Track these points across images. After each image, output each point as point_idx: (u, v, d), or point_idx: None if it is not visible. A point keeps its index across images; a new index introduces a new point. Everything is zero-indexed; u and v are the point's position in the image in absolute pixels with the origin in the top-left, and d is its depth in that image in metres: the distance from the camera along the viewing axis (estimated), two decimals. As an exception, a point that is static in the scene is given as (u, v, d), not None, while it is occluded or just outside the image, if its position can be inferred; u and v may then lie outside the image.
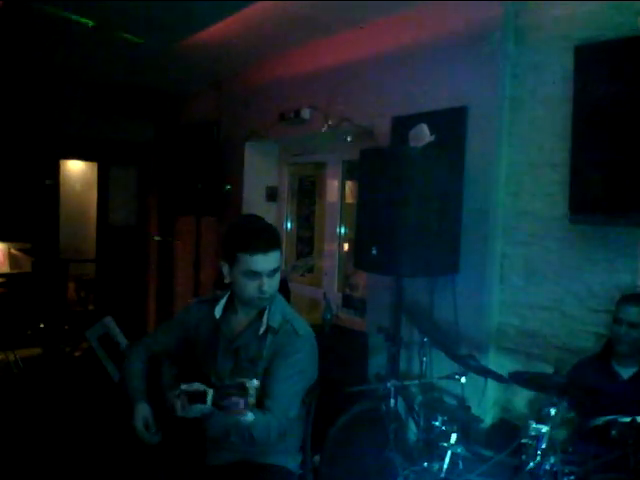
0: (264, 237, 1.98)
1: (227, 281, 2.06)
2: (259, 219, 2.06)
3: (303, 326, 2.08)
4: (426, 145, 3.31)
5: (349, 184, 4.74)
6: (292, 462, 2.13)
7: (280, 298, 2.14)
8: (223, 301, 2.15)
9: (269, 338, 2.04)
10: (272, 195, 5.36)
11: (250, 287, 1.99)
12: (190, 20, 3.96)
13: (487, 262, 3.21)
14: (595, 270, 2.80)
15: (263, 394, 1.89)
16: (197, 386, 1.65)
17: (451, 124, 3.32)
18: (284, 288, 3.60)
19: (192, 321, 2.22)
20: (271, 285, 2.00)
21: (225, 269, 2.03)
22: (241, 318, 2.12)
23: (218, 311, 2.12)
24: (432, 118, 3.40)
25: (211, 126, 5.26)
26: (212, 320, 2.14)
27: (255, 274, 1.96)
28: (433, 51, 3.50)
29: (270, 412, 1.87)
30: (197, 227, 5.56)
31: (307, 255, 5.09)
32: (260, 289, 1.98)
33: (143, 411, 2.02)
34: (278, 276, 2.05)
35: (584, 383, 2.45)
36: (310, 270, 3.88)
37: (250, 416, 1.63)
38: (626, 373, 2.49)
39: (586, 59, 2.72)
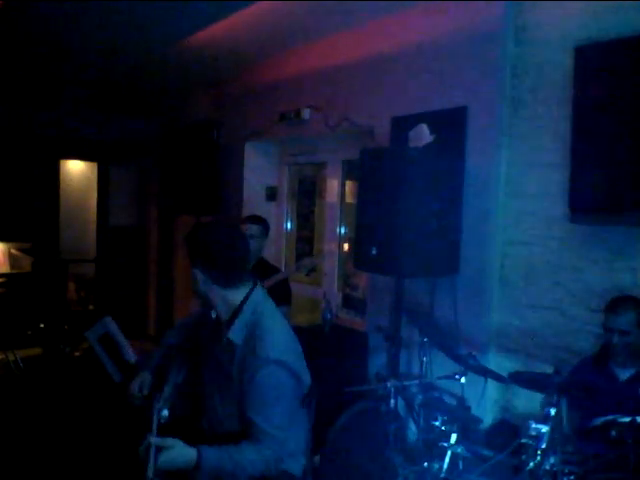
0: None
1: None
2: None
3: (267, 348, 1.86)
4: (426, 145, 3.31)
5: (349, 184, 4.73)
6: (294, 465, 2.06)
7: (256, 310, 1.96)
8: None
9: (236, 354, 1.93)
10: (272, 195, 5.36)
11: None
12: (190, 20, 3.96)
13: (487, 262, 3.21)
14: (595, 270, 2.80)
15: (245, 424, 1.88)
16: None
17: (451, 124, 3.31)
18: (285, 288, 3.60)
19: (199, 323, 2.21)
20: None
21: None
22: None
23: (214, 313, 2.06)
24: (432, 118, 3.40)
25: (211, 126, 5.25)
26: (210, 324, 2.09)
27: None
28: (433, 51, 3.50)
29: (260, 443, 1.84)
30: (197, 227, 5.55)
31: (308, 255, 5.07)
32: None
33: (143, 377, 2.17)
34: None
35: (584, 383, 2.45)
36: (313, 269, 3.89)
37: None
38: (624, 375, 2.49)
39: (586, 59, 2.72)
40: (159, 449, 1.73)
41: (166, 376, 2.13)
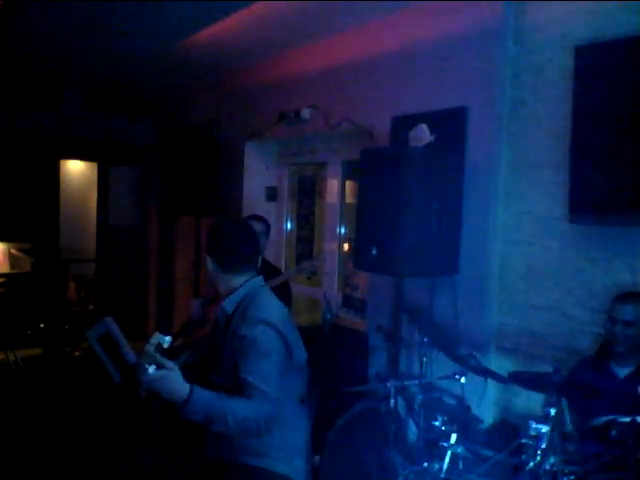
0: None
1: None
2: None
3: (256, 312, 2.05)
4: (426, 145, 3.31)
5: (349, 184, 4.73)
6: (283, 466, 2.06)
7: (251, 292, 2.15)
8: None
9: (230, 326, 2.10)
10: (272, 195, 5.36)
11: None
12: (190, 20, 3.96)
13: (487, 262, 3.20)
14: (595, 270, 2.80)
15: (239, 386, 1.95)
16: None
17: (451, 124, 3.31)
18: (286, 290, 3.59)
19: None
20: None
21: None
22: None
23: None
24: (432, 118, 3.40)
25: (211, 126, 5.26)
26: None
27: None
28: (433, 51, 3.50)
29: (253, 398, 1.90)
30: (197, 227, 5.56)
31: (308, 255, 5.07)
32: None
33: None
34: None
35: (583, 383, 2.45)
36: (314, 273, 3.89)
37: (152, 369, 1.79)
38: (622, 372, 2.49)
39: (586, 59, 2.72)
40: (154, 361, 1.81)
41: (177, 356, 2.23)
